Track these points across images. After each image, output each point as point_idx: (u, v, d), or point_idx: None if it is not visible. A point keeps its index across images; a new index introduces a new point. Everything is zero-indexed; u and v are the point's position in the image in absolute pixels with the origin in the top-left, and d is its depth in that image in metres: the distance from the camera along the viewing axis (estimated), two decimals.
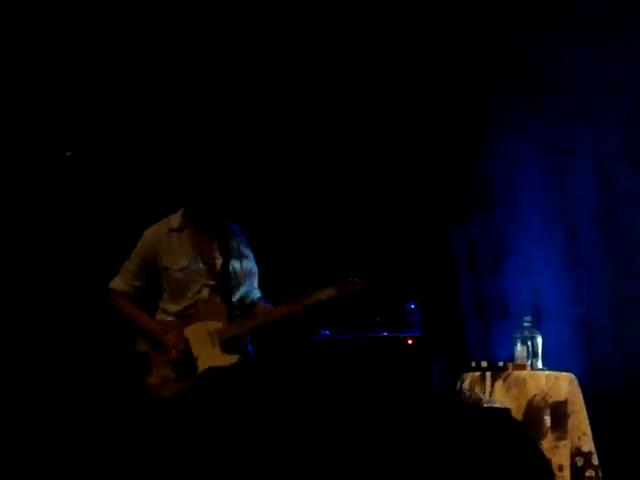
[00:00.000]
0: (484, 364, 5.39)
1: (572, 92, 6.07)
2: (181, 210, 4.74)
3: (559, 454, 5.12)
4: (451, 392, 5.43)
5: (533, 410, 5.17)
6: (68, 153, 5.59)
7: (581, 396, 5.32)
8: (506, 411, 4.95)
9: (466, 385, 5.37)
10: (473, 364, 5.42)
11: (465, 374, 5.43)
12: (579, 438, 5.23)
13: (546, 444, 5.10)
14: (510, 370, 5.31)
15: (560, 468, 5.10)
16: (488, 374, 5.30)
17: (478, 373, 5.35)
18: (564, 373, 5.34)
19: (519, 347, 5.42)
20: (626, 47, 6.01)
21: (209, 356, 4.51)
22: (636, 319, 5.84)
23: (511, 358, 5.42)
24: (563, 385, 5.26)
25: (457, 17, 6.22)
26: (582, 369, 5.65)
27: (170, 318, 4.64)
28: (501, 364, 5.37)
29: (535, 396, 5.20)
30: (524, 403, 5.19)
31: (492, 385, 5.26)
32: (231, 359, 4.52)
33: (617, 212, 6.00)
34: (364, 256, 6.14)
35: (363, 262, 6.07)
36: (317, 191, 6.34)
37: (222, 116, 6.16)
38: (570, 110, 6.06)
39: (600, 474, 5.22)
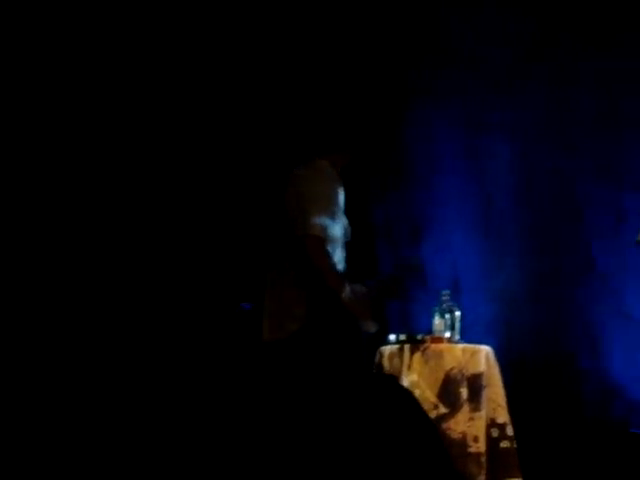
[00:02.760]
0: (403, 337, 5.46)
1: (491, 66, 6.14)
2: (325, 162, 4.41)
3: (474, 425, 5.22)
4: (370, 365, 5.47)
5: (450, 382, 5.25)
6: None
7: (497, 368, 5.41)
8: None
9: (385, 358, 5.43)
10: (392, 337, 5.49)
11: (384, 347, 5.49)
12: (494, 410, 5.32)
13: (462, 416, 5.19)
14: (428, 343, 5.38)
15: (475, 439, 5.19)
16: (407, 347, 5.36)
17: (397, 346, 5.42)
18: (481, 346, 5.42)
19: (437, 320, 5.49)
20: (544, 24, 6.10)
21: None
22: (550, 292, 5.96)
23: (430, 331, 5.50)
24: (480, 358, 5.34)
25: None
26: (498, 341, 5.75)
27: None
28: (419, 337, 5.44)
29: (452, 369, 5.28)
30: (442, 376, 5.27)
31: (410, 358, 5.32)
32: (376, 326, 4.35)
33: (534, 186, 6.10)
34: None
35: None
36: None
37: None
38: (489, 84, 6.12)
39: (515, 445, 5.31)
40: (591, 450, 5.65)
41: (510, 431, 5.32)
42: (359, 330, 4.34)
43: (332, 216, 4.28)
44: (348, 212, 4.64)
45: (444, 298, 5.52)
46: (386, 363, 5.41)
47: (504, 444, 5.28)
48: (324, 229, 4.21)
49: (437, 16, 6.16)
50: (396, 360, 5.37)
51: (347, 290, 4.26)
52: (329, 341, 4.29)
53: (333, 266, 4.25)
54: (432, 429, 4.39)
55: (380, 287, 4.70)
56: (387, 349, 5.45)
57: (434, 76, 6.19)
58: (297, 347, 4.30)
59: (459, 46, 6.16)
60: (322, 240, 4.19)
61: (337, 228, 4.34)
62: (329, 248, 4.28)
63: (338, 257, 4.40)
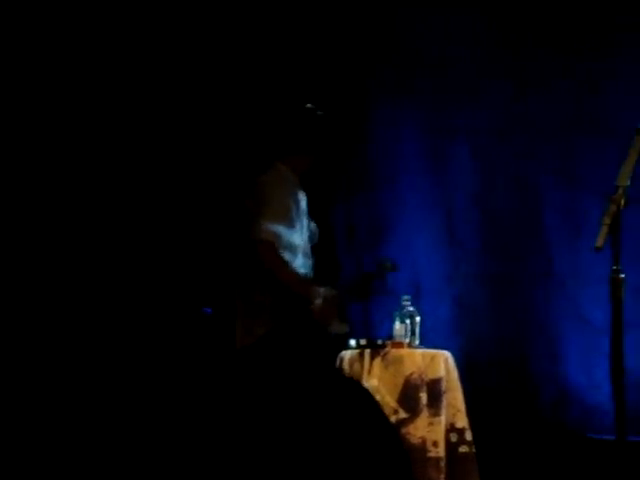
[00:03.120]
0: (363, 342, 5.48)
1: (454, 69, 6.15)
2: (284, 167, 4.46)
3: (434, 430, 5.23)
4: (331, 370, 5.48)
5: (410, 388, 5.26)
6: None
7: (456, 374, 5.44)
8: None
9: (345, 363, 5.45)
10: (352, 342, 5.50)
11: (344, 352, 5.49)
12: (454, 415, 5.35)
13: (422, 421, 5.21)
14: (389, 348, 5.40)
15: (435, 444, 5.21)
16: (367, 352, 5.36)
17: (357, 351, 5.42)
18: (440, 351, 5.44)
19: (398, 325, 5.50)
20: (508, 28, 6.12)
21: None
22: (508, 299, 6.01)
23: (391, 336, 5.51)
24: (439, 363, 5.36)
25: None
26: (458, 347, 5.78)
27: None
28: (380, 342, 5.46)
29: (412, 374, 5.28)
30: (401, 381, 5.27)
31: (371, 363, 5.33)
32: (346, 327, 4.47)
33: (494, 193, 6.14)
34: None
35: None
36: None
37: None
38: (451, 91, 6.14)
39: (473, 449, 5.34)
40: (549, 454, 5.71)
41: (469, 436, 5.35)
42: (326, 333, 4.37)
43: (288, 223, 4.30)
44: (311, 214, 4.67)
45: (405, 303, 5.54)
46: (346, 368, 5.42)
47: (463, 449, 5.31)
48: (277, 236, 4.24)
49: (401, 17, 6.16)
50: (356, 365, 5.38)
51: (317, 292, 4.29)
52: (296, 344, 4.33)
53: (292, 271, 4.27)
54: (393, 433, 4.43)
55: (350, 288, 4.75)
56: (347, 354, 5.46)
57: (397, 77, 6.20)
58: (264, 351, 4.34)
59: (423, 47, 6.17)
60: (273, 245, 4.21)
61: (295, 236, 4.36)
62: (288, 256, 4.30)
63: (299, 264, 4.41)
